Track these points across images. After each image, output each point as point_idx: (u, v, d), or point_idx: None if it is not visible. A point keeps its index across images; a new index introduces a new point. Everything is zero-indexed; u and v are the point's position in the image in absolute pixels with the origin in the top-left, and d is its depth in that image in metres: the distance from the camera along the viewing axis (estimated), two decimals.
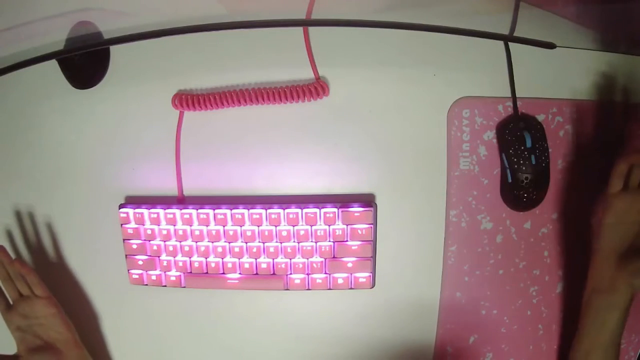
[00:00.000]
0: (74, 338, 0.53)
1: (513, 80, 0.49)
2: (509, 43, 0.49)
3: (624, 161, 0.43)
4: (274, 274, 0.51)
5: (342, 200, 0.51)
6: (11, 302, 0.52)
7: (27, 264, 0.53)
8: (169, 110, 0.53)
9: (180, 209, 0.51)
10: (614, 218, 0.45)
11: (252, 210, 0.50)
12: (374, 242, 0.50)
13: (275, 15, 0.43)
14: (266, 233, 0.50)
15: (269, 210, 0.50)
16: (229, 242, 0.51)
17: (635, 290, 0.44)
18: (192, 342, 0.56)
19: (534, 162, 0.48)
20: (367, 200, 0.51)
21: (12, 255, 0.54)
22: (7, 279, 0.51)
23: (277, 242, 0.51)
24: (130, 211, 0.52)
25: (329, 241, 0.50)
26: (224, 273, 0.52)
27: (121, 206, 0.53)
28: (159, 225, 0.52)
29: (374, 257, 0.51)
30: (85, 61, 0.53)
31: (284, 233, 0.50)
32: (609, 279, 0.44)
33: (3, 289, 0.52)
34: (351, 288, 0.51)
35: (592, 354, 0.46)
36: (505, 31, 0.48)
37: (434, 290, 0.52)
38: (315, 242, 0.50)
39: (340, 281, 0.51)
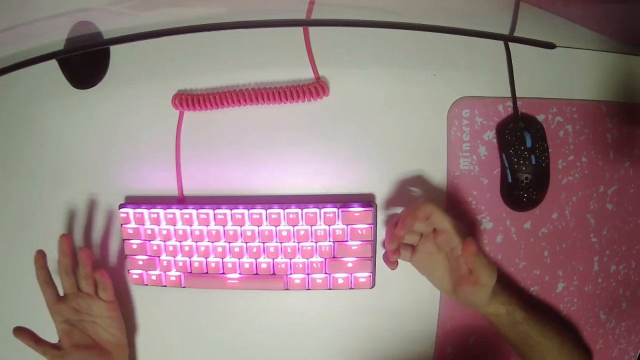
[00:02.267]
0: (124, 342, 0.53)
1: (513, 80, 0.49)
2: (509, 43, 0.49)
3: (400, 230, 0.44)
4: (274, 274, 0.51)
5: (342, 200, 0.51)
6: (61, 294, 0.52)
7: (106, 273, 0.52)
8: (169, 110, 0.53)
9: (180, 209, 0.51)
10: (426, 271, 0.48)
11: (252, 210, 0.50)
12: (374, 242, 0.50)
13: (275, 15, 0.43)
14: (266, 233, 0.50)
15: (269, 210, 0.50)
16: (229, 242, 0.51)
17: (480, 309, 0.46)
18: (192, 342, 0.56)
19: (534, 162, 0.48)
20: (367, 200, 0.51)
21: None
22: (69, 272, 0.51)
23: (277, 242, 0.51)
24: (130, 211, 0.52)
25: (329, 241, 0.50)
26: (224, 273, 0.52)
27: (121, 206, 0.53)
28: (159, 225, 0.52)
29: (374, 257, 0.51)
30: (85, 61, 0.53)
31: (284, 233, 0.50)
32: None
33: (59, 279, 0.51)
34: (351, 288, 0.51)
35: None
36: (505, 31, 0.48)
37: (434, 291, 0.52)
38: (315, 242, 0.50)
39: (340, 281, 0.51)
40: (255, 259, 0.51)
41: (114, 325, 0.52)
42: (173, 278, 0.53)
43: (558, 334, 0.47)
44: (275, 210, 0.50)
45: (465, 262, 0.44)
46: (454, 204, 0.51)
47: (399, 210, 0.52)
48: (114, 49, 0.54)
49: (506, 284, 0.48)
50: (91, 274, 0.51)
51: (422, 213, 0.43)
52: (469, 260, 0.43)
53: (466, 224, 0.51)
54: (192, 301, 0.55)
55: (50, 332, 0.51)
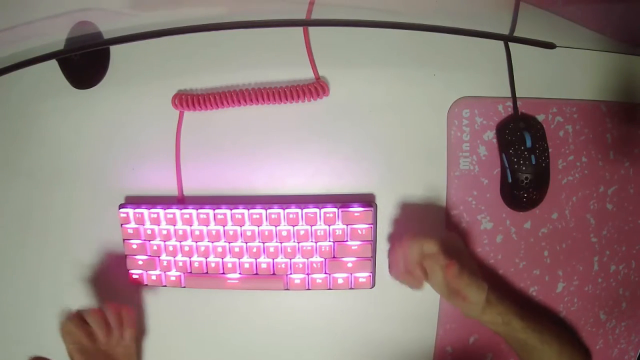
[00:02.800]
0: (135, 351, 0.53)
1: (513, 80, 0.49)
2: (509, 43, 0.49)
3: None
4: (274, 274, 0.51)
5: (342, 200, 0.51)
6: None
7: (130, 309, 0.51)
8: (169, 110, 0.53)
9: (180, 209, 0.51)
10: (425, 278, 0.46)
11: (252, 210, 0.50)
12: (374, 242, 0.50)
13: (275, 15, 0.43)
14: (266, 233, 0.50)
15: (269, 210, 0.50)
16: (229, 242, 0.51)
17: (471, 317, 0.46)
18: (192, 342, 0.56)
19: (534, 162, 0.48)
20: (367, 200, 0.51)
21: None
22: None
23: (277, 242, 0.51)
24: (130, 211, 0.52)
25: (329, 241, 0.50)
26: (224, 273, 0.52)
27: (121, 206, 0.53)
28: (159, 225, 0.52)
29: (374, 257, 0.51)
30: (85, 61, 0.53)
31: (284, 233, 0.50)
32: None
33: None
34: (351, 288, 0.51)
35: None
36: (505, 31, 0.48)
37: (433, 291, 0.52)
38: (315, 242, 0.50)
39: (340, 281, 0.51)
40: (255, 259, 0.51)
41: (130, 339, 0.51)
42: (173, 278, 0.53)
43: (557, 338, 0.48)
44: (275, 210, 0.50)
45: None
46: (454, 204, 0.51)
47: (398, 210, 0.52)
48: (114, 49, 0.54)
49: (504, 292, 0.48)
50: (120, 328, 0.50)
51: (416, 255, 0.45)
52: (452, 282, 0.44)
53: (466, 223, 0.51)
54: (192, 301, 0.55)
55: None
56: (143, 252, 0.53)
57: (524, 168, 0.48)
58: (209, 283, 0.52)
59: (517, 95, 0.49)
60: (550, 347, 0.47)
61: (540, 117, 0.50)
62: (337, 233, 0.50)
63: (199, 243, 0.52)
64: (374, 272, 0.51)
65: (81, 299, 0.57)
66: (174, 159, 0.53)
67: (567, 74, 0.50)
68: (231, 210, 0.50)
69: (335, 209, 0.49)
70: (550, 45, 0.48)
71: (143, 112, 0.54)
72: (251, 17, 0.42)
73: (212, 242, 0.51)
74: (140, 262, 0.53)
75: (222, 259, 0.52)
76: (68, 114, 0.55)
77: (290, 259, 0.51)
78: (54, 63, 0.53)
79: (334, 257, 0.50)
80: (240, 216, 0.50)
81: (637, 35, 0.51)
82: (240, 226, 0.51)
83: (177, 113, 0.53)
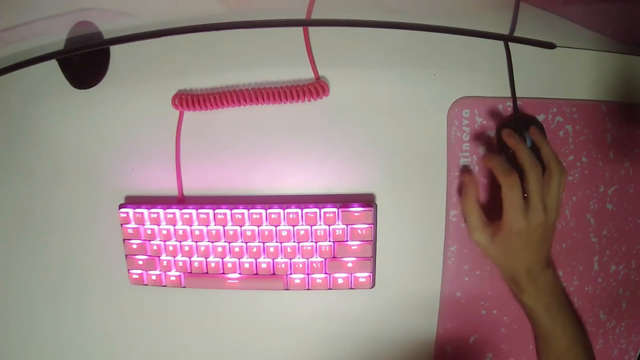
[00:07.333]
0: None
1: (513, 80, 0.49)
2: (509, 43, 0.49)
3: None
4: (274, 274, 0.51)
5: (342, 200, 0.51)
6: None
7: None
8: (169, 110, 0.53)
9: (180, 209, 0.51)
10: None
11: (252, 210, 0.50)
12: (374, 242, 0.50)
13: (275, 15, 0.43)
14: (266, 233, 0.50)
15: (269, 210, 0.50)
16: (229, 242, 0.51)
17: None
18: (192, 342, 0.56)
19: None
20: (367, 200, 0.51)
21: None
22: None
23: (277, 242, 0.51)
24: (130, 211, 0.52)
25: (329, 241, 0.50)
26: (224, 273, 0.52)
27: (121, 206, 0.53)
28: (159, 225, 0.52)
29: (374, 257, 0.51)
30: (85, 61, 0.53)
31: (284, 233, 0.50)
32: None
33: None
34: (351, 288, 0.51)
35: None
36: (505, 31, 0.48)
37: (434, 290, 0.52)
38: (315, 242, 0.50)
39: (340, 281, 0.51)
40: (255, 259, 0.51)
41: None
42: (173, 278, 0.53)
43: (579, 340, 0.46)
44: (275, 210, 0.50)
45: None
46: (454, 204, 0.51)
47: (398, 209, 0.52)
48: (114, 49, 0.54)
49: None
50: None
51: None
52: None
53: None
54: (192, 301, 0.55)
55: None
56: (143, 252, 0.53)
57: None
58: (209, 283, 0.52)
59: (517, 95, 0.49)
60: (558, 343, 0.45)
61: (540, 117, 0.50)
62: (337, 233, 0.50)
63: (199, 243, 0.52)
64: (374, 272, 0.51)
65: (81, 298, 0.57)
66: (174, 159, 0.53)
67: (567, 74, 0.50)
68: (231, 210, 0.50)
69: (335, 209, 0.49)
70: (550, 45, 0.48)
71: (143, 112, 0.54)
72: (251, 17, 0.42)
73: (212, 242, 0.51)
74: (140, 262, 0.53)
75: (222, 259, 0.52)
76: (68, 114, 0.55)
77: (290, 259, 0.51)
78: (54, 63, 0.53)
79: (334, 257, 0.50)
80: (240, 216, 0.50)
81: (637, 35, 0.51)
82: (240, 226, 0.51)
83: (177, 113, 0.53)
